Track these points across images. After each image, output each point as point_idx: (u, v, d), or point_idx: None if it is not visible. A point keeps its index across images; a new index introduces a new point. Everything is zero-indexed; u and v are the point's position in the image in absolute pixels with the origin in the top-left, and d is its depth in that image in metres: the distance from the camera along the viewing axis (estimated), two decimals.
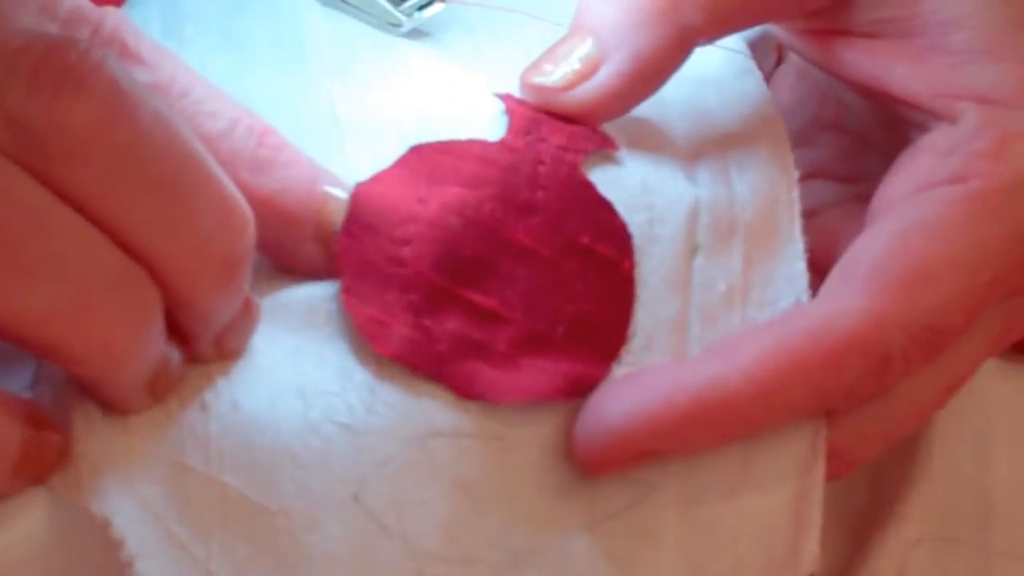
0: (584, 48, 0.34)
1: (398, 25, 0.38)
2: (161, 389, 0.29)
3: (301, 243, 0.32)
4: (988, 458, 0.37)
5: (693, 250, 0.34)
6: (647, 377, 0.31)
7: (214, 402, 0.30)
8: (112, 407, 0.29)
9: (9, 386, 0.30)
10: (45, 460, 0.28)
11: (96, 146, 0.25)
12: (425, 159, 0.33)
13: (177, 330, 0.29)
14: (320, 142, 0.34)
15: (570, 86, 0.34)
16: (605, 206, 0.33)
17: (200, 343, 0.30)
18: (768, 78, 0.41)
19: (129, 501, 0.28)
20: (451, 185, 0.32)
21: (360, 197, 0.32)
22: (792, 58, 0.41)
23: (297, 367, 0.31)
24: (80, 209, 0.26)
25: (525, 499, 0.30)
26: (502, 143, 0.34)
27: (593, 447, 0.30)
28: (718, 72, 0.38)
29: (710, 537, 0.31)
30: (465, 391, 0.31)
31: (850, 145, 0.40)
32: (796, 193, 0.35)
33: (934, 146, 0.34)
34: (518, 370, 0.31)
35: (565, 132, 0.34)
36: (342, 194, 0.32)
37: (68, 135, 0.25)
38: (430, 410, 0.30)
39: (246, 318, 0.31)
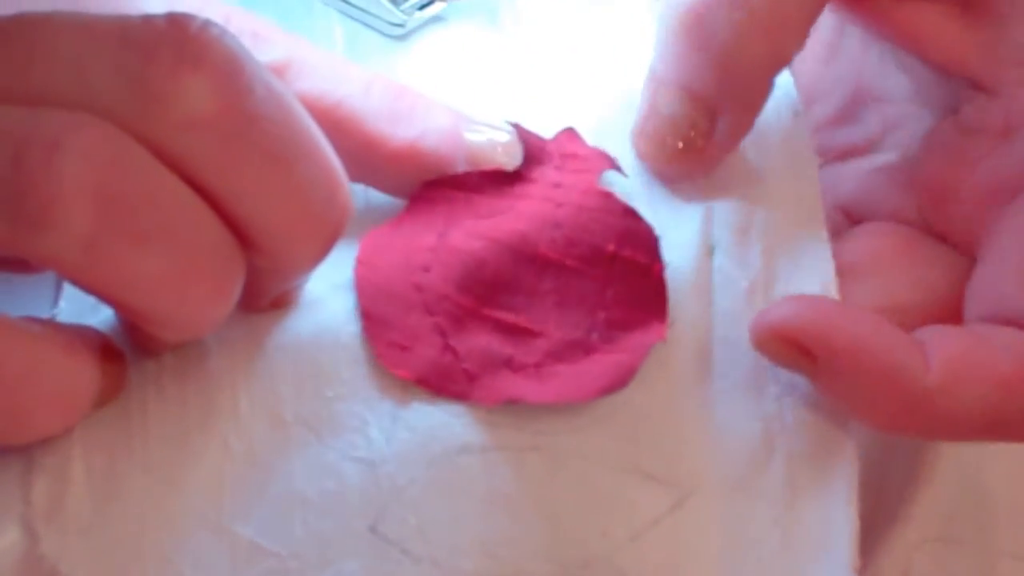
0: (693, 111, 0.33)
1: (400, 25, 0.38)
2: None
3: None
4: (991, 459, 0.37)
5: (710, 250, 0.34)
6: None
7: (236, 443, 0.30)
8: (143, 351, 0.30)
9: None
10: (117, 388, 0.29)
11: (212, 118, 0.26)
12: (438, 196, 0.33)
13: (244, 284, 0.29)
14: None
15: (696, 154, 0.34)
16: (629, 212, 0.33)
17: (264, 300, 0.31)
18: None
19: (144, 549, 0.29)
20: (469, 218, 0.32)
21: (374, 236, 0.32)
22: (820, 34, 0.39)
23: (316, 401, 0.30)
24: (188, 178, 0.26)
25: (569, 510, 0.30)
26: (516, 172, 0.34)
27: (767, 317, 0.31)
28: None
29: (750, 546, 0.31)
30: (495, 399, 0.30)
31: (897, 117, 0.38)
32: (816, 177, 0.35)
33: (984, 124, 0.34)
34: (552, 377, 0.31)
35: (576, 157, 0.34)
36: (489, 129, 0.33)
37: (186, 106, 0.25)
38: (456, 428, 0.30)
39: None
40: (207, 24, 0.26)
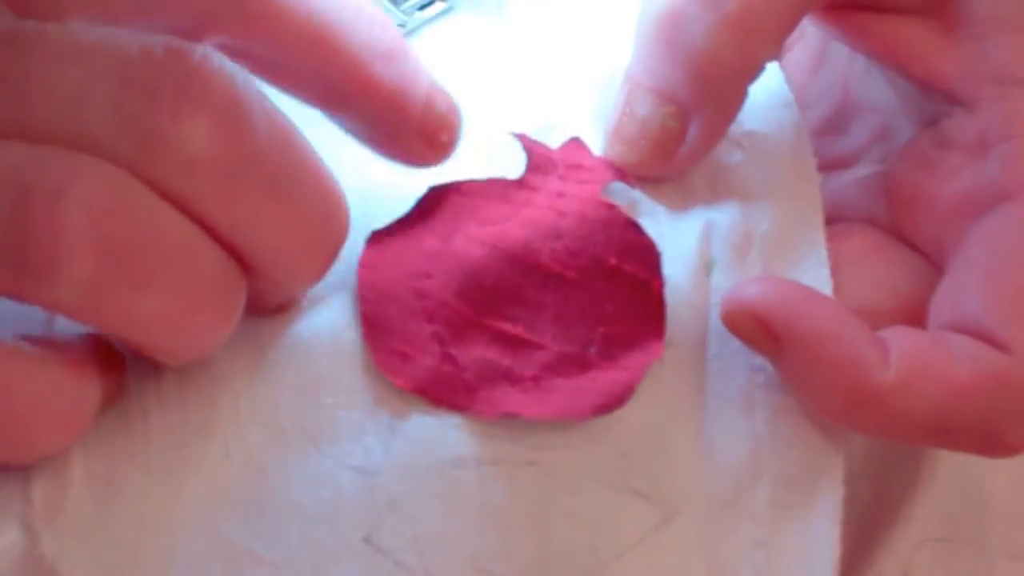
0: (664, 114, 0.34)
1: (400, 25, 0.38)
2: None
3: (405, 132, 0.32)
4: (991, 460, 0.37)
5: (708, 267, 0.34)
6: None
7: (236, 448, 0.30)
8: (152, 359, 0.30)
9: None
10: (117, 395, 0.30)
11: (214, 158, 0.26)
12: (444, 200, 0.33)
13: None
14: (345, 162, 0.33)
15: (669, 156, 0.34)
16: (631, 225, 0.33)
17: (269, 306, 0.31)
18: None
19: (141, 551, 0.29)
20: (473, 224, 0.32)
21: (378, 237, 0.32)
22: (807, 44, 0.40)
23: (316, 409, 0.30)
24: (190, 213, 0.26)
25: (559, 526, 0.30)
26: (521, 181, 0.34)
27: (737, 294, 0.31)
28: None
29: (732, 567, 0.31)
30: (492, 412, 0.30)
31: (882, 128, 0.38)
32: (818, 199, 0.35)
33: (958, 139, 0.33)
34: (550, 391, 0.31)
35: (581, 168, 0.34)
36: (449, 96, 0.32)
37: (189, 147, 0.25)
38: (452, 440, 0.30)
39: None
40: (207, 56, 0.26)
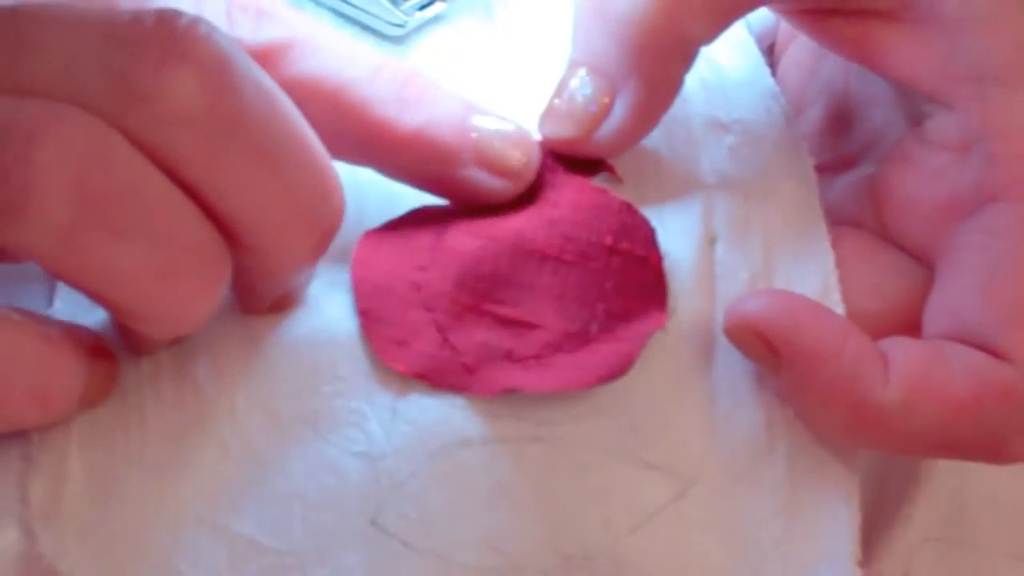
0: (591, 87, 0.33)
1: (400, 25, 0.38)
2: (183, 339, 0.31)
3: (457, 171, 0.32)
4: None
5: (712, 241, 0.34)
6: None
7: (233, 442, 0.30)
8: (136, 351, 0.30)
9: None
10: (106, 388, 0.30)
11: (197, 113, 0.26)
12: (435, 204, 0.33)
13: (239, 285, 0.30)
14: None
15: (591, 131, 0.33)
16: (624, 207, 0.33)
17: (263, 302, 0.31)
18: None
19: (141, 547, 0.29)
20: (465, 218, 0.33)
21: (371, 236, 0.32)
22: (805, 42, 0.39)
23: (315, 398, 0.30)
24: (174, 176, 0.26)
25: (570, 501, 0.30)
26: None
27: (739, 307, 0.31)
28: (725, 59, 0.38)
29: (751, 537, 0.31)
30: (492, 390, 0.30)
31: (882, 125, 0.37)
32: (812, 173, 0.35)
33: (940, 139, 0.33)
34: (551, 367, 0.31)
35: (569, 157, 0.34)
36: (498, 121, 0.33)
37: (171, 101, 0.26)
38: (457, 421, 0.30)
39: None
40: (196, 21, 0.26)
